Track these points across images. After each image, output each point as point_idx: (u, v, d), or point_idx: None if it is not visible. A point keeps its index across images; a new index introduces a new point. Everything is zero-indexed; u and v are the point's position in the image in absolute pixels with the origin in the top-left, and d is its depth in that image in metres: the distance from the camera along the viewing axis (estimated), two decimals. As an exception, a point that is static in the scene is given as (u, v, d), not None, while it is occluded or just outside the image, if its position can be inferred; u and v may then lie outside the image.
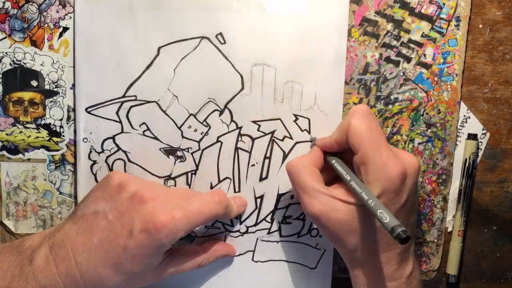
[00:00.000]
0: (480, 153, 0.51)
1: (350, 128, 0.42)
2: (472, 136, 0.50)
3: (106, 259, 0.42)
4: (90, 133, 0.50)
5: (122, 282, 0.43)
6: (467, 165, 0.50)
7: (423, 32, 0.48)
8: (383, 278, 0.43)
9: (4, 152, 0.51)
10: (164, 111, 0.49)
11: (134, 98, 0.49)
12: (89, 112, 0.50)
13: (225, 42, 0.48)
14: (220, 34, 0.48)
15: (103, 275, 0.42)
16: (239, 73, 0.48)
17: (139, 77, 0.49)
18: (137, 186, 0.43)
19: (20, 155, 0.51)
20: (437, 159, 0.50)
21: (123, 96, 0.49)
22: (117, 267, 0.42)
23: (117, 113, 0.49)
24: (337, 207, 0.42)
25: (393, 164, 0.40)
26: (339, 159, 0.45)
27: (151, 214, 0.41)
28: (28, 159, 0.51)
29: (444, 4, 0.48)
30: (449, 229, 0.52)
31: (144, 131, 0.49)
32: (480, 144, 0.51)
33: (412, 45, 0.49)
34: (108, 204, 0.43)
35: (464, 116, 0.50)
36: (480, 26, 0.49)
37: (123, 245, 0.41)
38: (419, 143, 0.50)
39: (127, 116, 0.49)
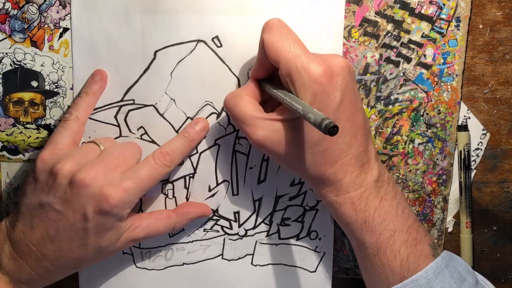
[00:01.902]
0: (480, 154, 0.51)
1: (264, 44, 0.41)
2: (463, 128, 0.50)
3: (70, 244, 0.42)
4: (89, 137, 0.50)
5: (94, 256, 0.44)
6: (462, 157, 0.50)
7: (423, 33, 0.48)
8: (348, 188, 0.41)
9: (5, 153, 0.51)
10: (161, 115, 0.49)
11: (132, 102, 0.49)
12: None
13: (221, 45, 0.48)
14: (216, 37, 0.48)
15: (72, 257, 0.43)
16: (235, 76, 0.48)
17: (137, 81, 0.49)
18: (69, 167, 0.42)
19: (20, 156, 0.51)
20: (437, 159, 0.50)
21: (121, 100, 0.49)
22: (83, 247, 0.43)
23: (115, 117, 0.49)
24: (277, 127, 0.41)
25: (315, 66, 0.39)
26: (271, 83, 0.44)
27: (100, 194, 0.41)
28: (28, 160, 0.52)
29: (444, 5, 0.48)
30: (450, 229, 0.52)
31: (142, 135, 0.50)
32: (480, 144, 0.51)
33: (412, 46, 0.49)
34: (49, 195, 0.42)
35: (464, 116, 0.50)
36: (480, 26, 0.49)
37: (82, 227, 0.42)
38: (419, 144, 0.50)
39: (125, 120, 0.49)
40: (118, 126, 0.50)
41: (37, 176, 0.43)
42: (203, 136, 0.49)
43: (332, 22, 0.48)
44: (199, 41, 0.48)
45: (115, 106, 0.49)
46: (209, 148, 0.50)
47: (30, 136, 0.51)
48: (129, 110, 0.49)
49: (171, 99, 0.49)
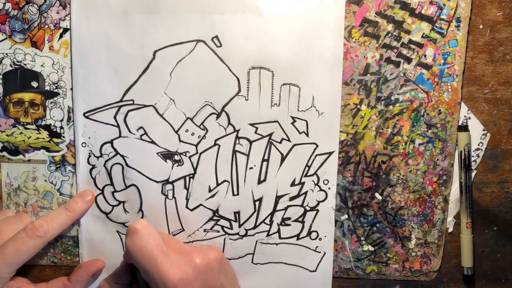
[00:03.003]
0: (481, 154, 0.51)
1: (126, 250, 0.45)
2: (463, 128, 0.50)
3: None
4: (89, 137, 0.50)
5: None
6: (463, 157, 0.50)
7: (424, 33, 0.48)
8: None
9: (5, 153, 0.51)
10: (161, 115, 0.49)
11: (131, 102, 0.49)
12: (87, 117, 0.50)
13: (221, 45, 0.48)
14: (216, 37, 0.48)
15: None
16: (235, 76, 0.48)
17: (136, 81, 0.49)
18: None
19: (20, 156, 0.51)
20: (437, 160, 0.50)
21: (121, 101, 0.49)
22: None
23: (115, 117, 0.49)
24: None
25: (172, 274, 0.42)
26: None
27: None
28: (29, 160, 0.51)
29: (444, 5, 0.48)
30: (450, 230, 0.52)
31: (141, 135, 0.50)
32: (480, 144, 0.51)
33: (412, 46, 0.49)
34: None
35: (465, 116, 0.50)
36: (481, 26, 0.49)
37: None
38: (419, 144, 0.50)
39: (124, 120, 0.49)
40: (118, 126, 0.50)
41: None
42: (86, 208, 0.50)
43: (332, 22, 0.48)
44: (198, 41, 0.48)
45: (114, 107, 0.49)
46: (209, 148, 0.50)
47: (30, 137, 0.51)
48: (129, 111, 0.49)
49: (171, 99, 0.49)
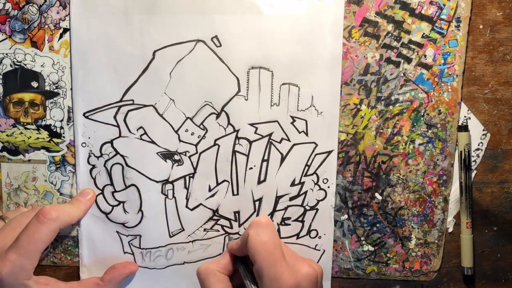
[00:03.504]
0: (481, 154, 0.51)
1: (248, 240, 0.44)
2: (463, 128, 0.50)
3: None
4: (89, 137, 0.50)
5: None
6: (463, 157, 0.50)
7: (424, 33, 0.48)
8: None
9: (5, 153, 0.51)
10: (161, 115, 0.49)
11: (131, 102, 0.49)
12: (87, 117, 0.50)
13: (220, 45, 0.48)
14: (216, 37, 0.48)
15: None
16: (235, 75, 0.48)
17: (136, 81, 0.49)
18: None
19: (20, 156, 0.51)
20: (437, 160, 0.50)
21: (121, 101, 0.49)
22: None
23: (114, 117, 0.49)
24: None
25: (286, 278, 0.42)
26: (244, 266, 0.46)
27: None
28: (29, 160, 0.51)
29: (444, 5, 0.48)
30: (450, 230, 0.52)
31: (141, 135, 0.50)
32: (480, 145, 0.51)
33: (412, 46, 0.49)
34: None
35: (465, 116, 0.50)
36: (481, 26, 0.49)
37: None
38: (419, 144, 0.50)
39: (124, 120, 0.49)
40: (118, 126, 0.50)
41: None
42: (90, 205, 0.51)
43: (332, 22, 0.48)
44: (198, 40, 0.48)
45: (114, 107, 0.49)
46: (208, 148, 0.50)
47: (30, 137, 0.51)
48: (129, 111, 0.49)
49: (171, 99, 0.49)
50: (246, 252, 0.45)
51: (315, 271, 0.44)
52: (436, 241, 0.52)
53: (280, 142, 0.50)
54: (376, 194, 0.51)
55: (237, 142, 0.50)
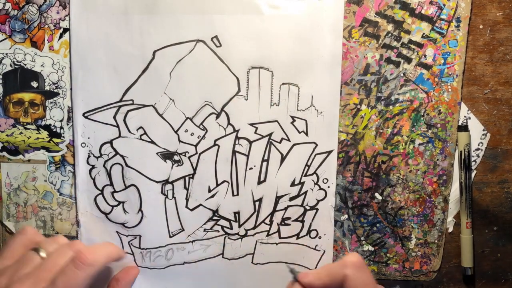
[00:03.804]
0: (481, 154, 0.51)
1: (348, 282, 0.42)
2: (463, 128, 0.50)
3: None
4: (88, 138, 0.50)
5: None
6: (463, 157, 0.50)
7: (424, 33, 0.48)
8: None
9: (5, 153, 0.51)
10: (160, 115, 0.49)
11: (131, 102, 0.49)
12: (86, 117, 0.50)
13: (220, 45, 0.48)
14: (216, 37, 0.48)
15: None
16: (235, 75, 0.48)
17: (136, 81, 0.49)
18: (1, 285, 0.42)
19: (20, 156, 0.51)
20: (437, 160, 0.50)
21: (120, 101, 0.49)
22: None
23: (114, 117, 0.49)
24: None
25: None
26: None
27: None
28: (28, 160, 0.51)
29: (444, 5, 0.48)
30: (450, 230, 0.52)
31: (141, 135, 0.50)
32: (480, 145, 0.51)
33: (412, 46, 0.49)
34: None
35: (465, 116, 0.50)
36: (481, 26, 0.49)
37: None
38: (419, 144, 0.50)
39: (124, 120, 0.49)
40: (117, 126, 0.50)
41: None
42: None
43: (331, 22, 0.48)
44: (198, 40, 0.48)
45: (114, 107, 0.49)
46: (208, 149, 0.50)
47: (30, 137, 0.51)
48: (128, 111, 0.49)
49: (170, 99, 0.49)
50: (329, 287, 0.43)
51: None
52: (436, 241, 0.52)
53: (280, 142, 0.50)
54: (376, 194, 0.51)
55: (237, 142, 0.50)
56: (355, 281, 0.42)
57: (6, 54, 0.50)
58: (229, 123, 0.49)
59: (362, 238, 0.52)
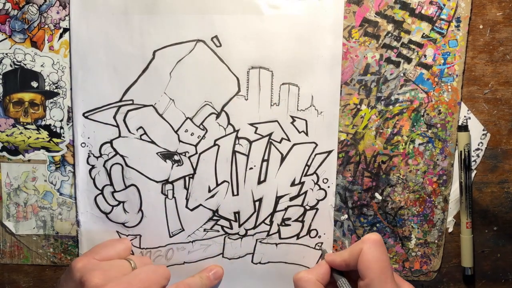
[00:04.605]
0: (481, 154, 0.51)
1: (362, 255, 0.44)
2: (463, 128, 0.50)
3: None
4: (88, 137, 0.50)
5: None
6: (463, 157, 0.50)
7: (424, 33, 0.48)
8: None
9: (5, 153, 0.51)
10: (160, 115, 0.49)
11: (131, 102, 0.49)
12: (86, 117, 0.50)
13: (220, 45, 0.48)
14: (216, 37, 0.48)
15: None
16: (235, 75, 0.48)
17: (135, 81, 0.49)
18: (97, 281, 0.43)
19: (20, 156, 0.51)
20: (437, 159, 0.50)
21: (120, 100, 0.49)
22: None
23: (114, 117, 0.49)
24: None
25: None
26: (345, 279, 0.46)
27: None
28: (28, 160, 0.51)
29: (444, 5, 0.48)
30: (450, 230, 0.52)
31: (141, 135, 0.50)
32: (480, 144, 0.51)
33: (412, 46, 0.49)
34: None
35: (465, 116, 0.50)
36: (481, 26, 0.49)
37: None
38: (419, 144, 0.50)
39: (124, 120, 0.49)
40: (117, 126, 0.50)
41: (68, 278, 0.45)
42: (215, 284, 0.52)
43: (331, 22, 0.48)
44: (198, 40, 0.48)
45: (114, 107, 0.49)
46: (208, 149, 0.50)
47: (30, 137, 0.51)
48: (128, 110, 0.49)
49: (170, 99, 0.49)
50: (352, 267, 0.45)
51: None
52: (436, 241, 0.52)
53: (280, 142, 0.50)
54: (376, 194, 0.51)
55: (237, 142, 0.50)
56: (368, 255, 0.44)
57: (6, 54, 0.50)
58: (229, 123, 0.49)
59: (362, 238, 0.52)
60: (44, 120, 0.51)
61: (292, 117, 0.49)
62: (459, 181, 0.51)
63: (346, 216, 0.52)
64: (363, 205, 0.51)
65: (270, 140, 0.50)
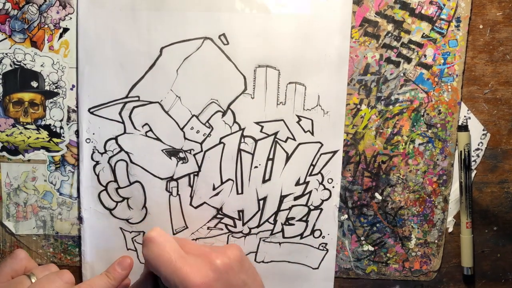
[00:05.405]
0: (481, 154, 0.51)
1: (144, 259, 0.45)
2: (463, 128, 0.50)
3: None
4: (93, 133, 0.50)
5: None
6: (463, 157, 0.50)
7: (424, 33, 0.48)
8: None
9: (4, 153, 0.51)
10: (166, 112, 0.49)
11: (137, 98, 0.49)
12: (92, 113, 0.50)
13: (228, 43, 0.48)
14: (223, 34, 0.48)
15: None
16: (242, 74, 0.48)
17: (142, 77, 0.49)
18: None
19: (20, 156, 0.51)
20: (437, 159, 0.50)
21: (126, 97, 0.49)
22: None
23: (120, 113, 0.49)
24: None
25: (193, 278, 0.42)
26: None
27: None
28: (28, 160, 0.51)
29: (444, 5, 0.48)
30: (450, 230, 0.52)
31: (146, 132, 0.50)
32: (480, 144, 0.51)
33: (412, 46, 0.49)
34: None
35: (465, 116, 0.50)
36: (481, 26, 0.49)
37: None
38: (419, 144, 0.50)
39: (129, 116, 0.49)
40: (123, 122, 0.50)
41: None
42: (126, 275, 0.49)
43: (339, 22, 0.48)
44: (205, 38, 0.48)
45: (119, 103, 0.49)
46: (214, 146, 0.50)
47: (30, 137, 0.51)
48: (134, 107, 0.49)
49: (177, 96, 0.49)
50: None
51: (227, 259, 0.44)
52: (436, 241, 0.52)
53: (285, 141, 0.50)
54: (376, 194, 0.51)
55: (242, 140, 0.50)
56: (147, 258, 0.44)
57: (6, 54, 0.49)
58: (235, 121, 0.49)
59: (362, 238, 0.52)
60: (44, 120, 0.50)
61: (298, 116, 0.49)
62: (459, 181, 0.51)
63: (346, 216, 0.52)
64: (363, 205, 0.51)
65: (276, 139, 0.50)
